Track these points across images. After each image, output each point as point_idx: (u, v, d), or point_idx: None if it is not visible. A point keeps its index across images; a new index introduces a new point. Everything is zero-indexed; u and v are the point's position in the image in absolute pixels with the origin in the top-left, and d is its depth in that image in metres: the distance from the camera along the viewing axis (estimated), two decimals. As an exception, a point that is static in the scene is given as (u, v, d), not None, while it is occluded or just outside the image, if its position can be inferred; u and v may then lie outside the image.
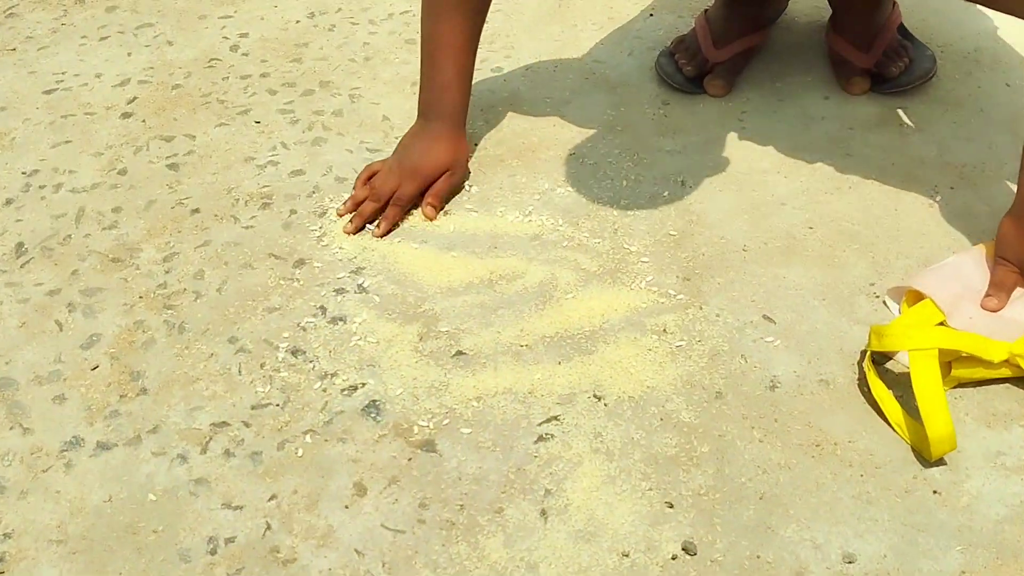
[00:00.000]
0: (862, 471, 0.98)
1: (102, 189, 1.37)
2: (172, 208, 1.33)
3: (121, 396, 1.09)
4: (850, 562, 0.91)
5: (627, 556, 0.92)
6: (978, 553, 0.91)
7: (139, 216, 1.32)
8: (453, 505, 0.97)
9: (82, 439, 1.05)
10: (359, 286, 1.20)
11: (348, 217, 1.29)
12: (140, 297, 1.21)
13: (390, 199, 1.28)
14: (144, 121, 1.49)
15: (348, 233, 1.26)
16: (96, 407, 1.08)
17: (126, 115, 1.51)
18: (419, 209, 1.30)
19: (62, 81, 1.59)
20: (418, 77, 1.55)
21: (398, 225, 1.28)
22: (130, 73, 1.60)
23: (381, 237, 1.26)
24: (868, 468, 0.98)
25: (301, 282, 1.21)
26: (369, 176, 1.32)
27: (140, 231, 1.30)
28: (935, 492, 0.96)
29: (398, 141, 1.34)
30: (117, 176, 1.39)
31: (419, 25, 1.33)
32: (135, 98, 1.54)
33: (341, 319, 1.16)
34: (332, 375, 1.10)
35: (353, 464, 1.01)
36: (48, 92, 1.57)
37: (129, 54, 1.65)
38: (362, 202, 1.29)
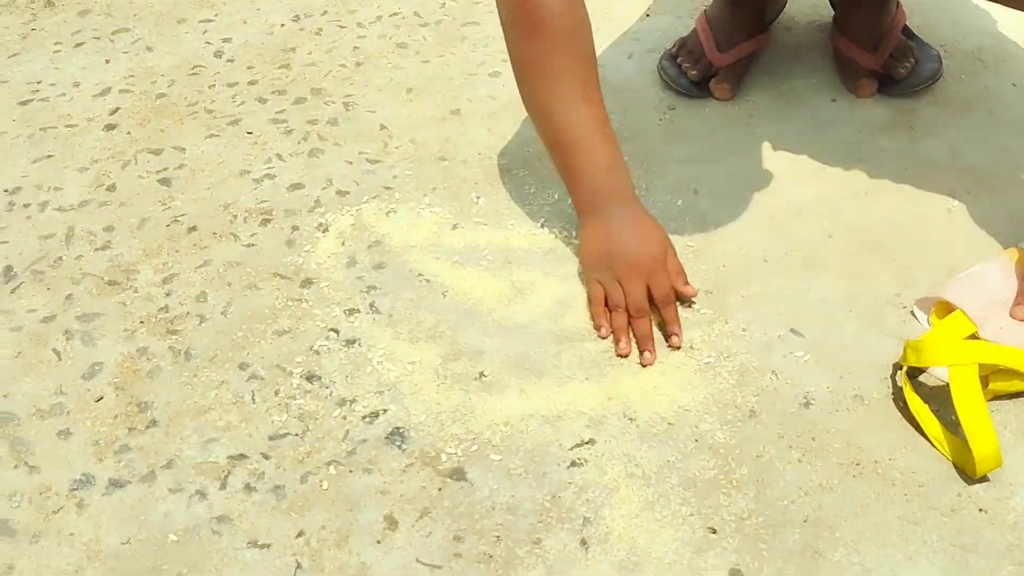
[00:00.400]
0: (905, 490, 0.96)
1: (91, 207, 1.31)
2: (167, 226, 1.27)
3: (130, 429, 1.04)
4: (903, 587, 0.89)
5: (675, 587, 0.90)
6: (1030, 573, 0.90)
7: (133, 235, 1.26)
8: (489, 537, 0.94)
9: (93, 477, 1.00)
10: (371, 306, 1.16)
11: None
12: (141, 322, 1.15)
13: (648, 305, 1.11)
14: (129, 133, 1.43)
15: (647, 364, 1.08)
16: (104, 441, 1.03)
17: (110, 127, 1.44)
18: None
19: (38, 91, 1.53)
20: (414, 83, 1.51)
21: None
22: (110, 82, 1.54)
23: (679, 348, 1.10)
24: (911, 487, 0.96)
25: (310, 303, 1.17)
26: (601, 303, 1.13)
27: (135, 251, 1.24)
28: (981, 510, 0.94)
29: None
30: (106, 192, 1.33)
31: (514, 93, 1.17)
32: (118, 108, 1.48)
33: (355, 341, 1.12)
34: (351, 401, 1.06)
35: (381, 496, 0.98)
36: (24, 103, 1.50)
37: (107, 61, 1.58)
38: (626, 327, 1.10)
